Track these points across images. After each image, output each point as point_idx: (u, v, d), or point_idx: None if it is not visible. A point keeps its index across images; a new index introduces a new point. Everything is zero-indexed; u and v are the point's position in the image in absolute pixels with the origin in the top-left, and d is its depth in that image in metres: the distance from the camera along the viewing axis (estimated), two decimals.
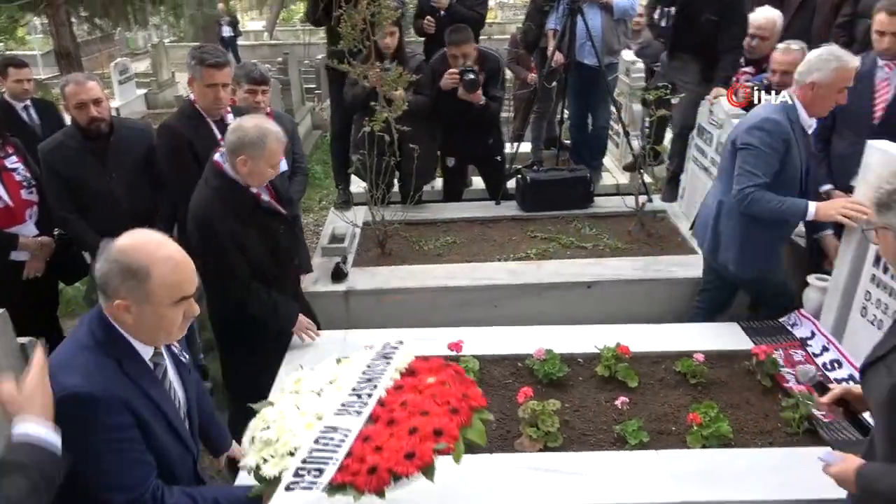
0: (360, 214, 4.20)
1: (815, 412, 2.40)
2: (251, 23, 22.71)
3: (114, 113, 3.42)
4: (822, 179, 3.36)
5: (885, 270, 2.49)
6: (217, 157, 2.54)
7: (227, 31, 13.82)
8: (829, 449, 1.65)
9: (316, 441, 1.69)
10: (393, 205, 4.01)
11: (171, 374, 1.69)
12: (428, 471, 1.66)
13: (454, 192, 4.84)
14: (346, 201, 4.60)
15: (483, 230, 4.19)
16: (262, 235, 2.60)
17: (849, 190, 2.93)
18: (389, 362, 1.98)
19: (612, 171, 5.66)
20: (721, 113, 3.65)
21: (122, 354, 1.51)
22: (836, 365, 2.66)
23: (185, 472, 1.69)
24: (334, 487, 1.59)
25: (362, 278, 3.59)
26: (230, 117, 3.10)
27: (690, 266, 3.60)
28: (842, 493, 2.06)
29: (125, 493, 1.47)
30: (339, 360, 2.04)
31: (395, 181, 4.37)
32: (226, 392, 3.16)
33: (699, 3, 4.11)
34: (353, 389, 1.87)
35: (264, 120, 2.54)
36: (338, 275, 3.55)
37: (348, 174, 4.52)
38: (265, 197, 2.62)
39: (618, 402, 2.48)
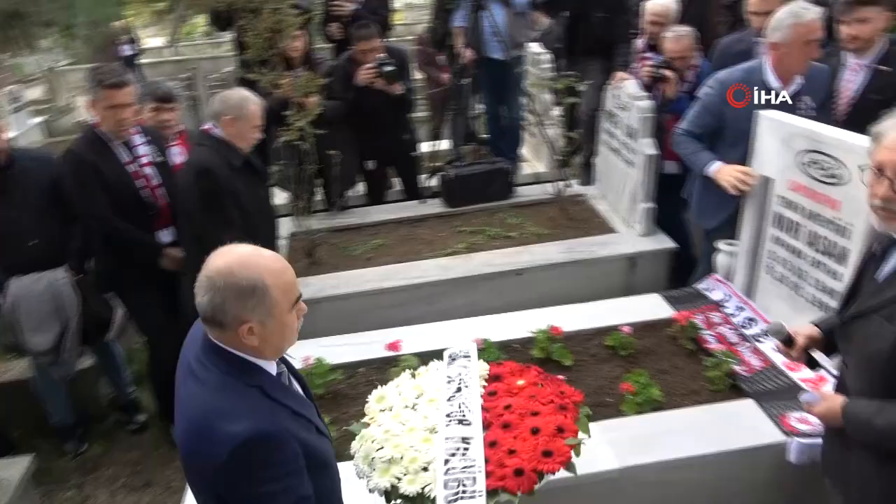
0: (284, 226, 4.14)
1: (736, 367, 2.57)
2: (151, 40, 21.83)
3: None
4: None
5: (785, 230, 2.69)
6: (205, 126, 2.84)
7: (126, 50, 13.22)
8: (809, 391, 1.77)
9: (446, 452, 1.78)
10: (318, 213, 3.98)
11: (291, 378, 1.59)
12: (570, 465, 1.82)
13: (377, 194, 4.85)
14: None
15: (411, 230, 4.22)
16: (249, 193, 2.82)
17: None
18: (467, 367, 2.09)
19: (531, 161, 5.81)
20: (626, 97, 3.81)
21: (259, 380, 1.39)
22: (750, 323, 2.85)
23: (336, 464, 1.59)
24: (489, 493, 1.69)
25: None
26: (137, 138, 3.00)
27: (611, 244, 3.76)
28: (764, 441, 2.23)
29: None
30: (413, 375, 2.13)
31: (318, 189, 4.35)
32: None
33: (589, 4, 4.31)
34: (449, 400, 1.96)
35: (243, 89, 2.87)
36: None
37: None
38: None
39: None
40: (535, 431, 1.86)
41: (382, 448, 1.80)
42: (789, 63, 2.84)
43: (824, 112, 2.96)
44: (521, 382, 2.06)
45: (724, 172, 2.91)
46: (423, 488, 1.71)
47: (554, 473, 1.80)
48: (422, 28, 7.74)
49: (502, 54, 4.65)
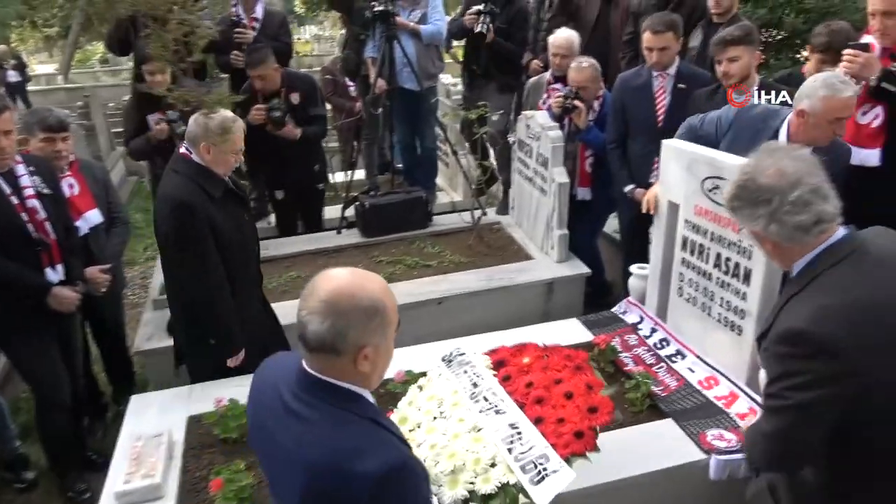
0: None
1: (654, 388, 2.63)
2: (41, 66, 20.54)
3: None
4: (624, 181, 3.72)
5: (692, 253, 2.80)
6: (183, 149, 2.65)
7: (13, 76, 12.35)
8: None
9: (504, 443, 1.87)
10: None
11: None
12: (615, 414, 2.03)
13: (289, 225, 4.71)
14: None
15: (328, 261, 4.11)
16: (231, 220, 2.68)
17: (650, 186, 3.26)
18: (468, 363, 2.19)
19: (447, 190, 5.85)
20: (537, 127, 3.91)
21: (368, 411, 1.30)
22: (664, 343, 2.94)
23: None
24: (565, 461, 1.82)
25: None
26: (20, 168, 2.74)
27: (528, 271, 3.81)
28: (687, 459, 2.28)
29: None
30: (420, 388, 2.21)
31: None
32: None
33: (492, 17, 4.55)
34: (472, 397, 2.05)
35: (223, 110, 2.67)
36: (174, 329, 3.27)
37: None
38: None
39: None
40: (569, 396, 1.99)
41: (438, 463, 1.83)
42: (812, 134, 2.50)
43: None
44: (526, 360, 2.16)
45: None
46: (501, 481, 1.77)
47: (608, 424, 1.95)
48: (330, 59, 7.67)
49: (415, 85, 4.68)
